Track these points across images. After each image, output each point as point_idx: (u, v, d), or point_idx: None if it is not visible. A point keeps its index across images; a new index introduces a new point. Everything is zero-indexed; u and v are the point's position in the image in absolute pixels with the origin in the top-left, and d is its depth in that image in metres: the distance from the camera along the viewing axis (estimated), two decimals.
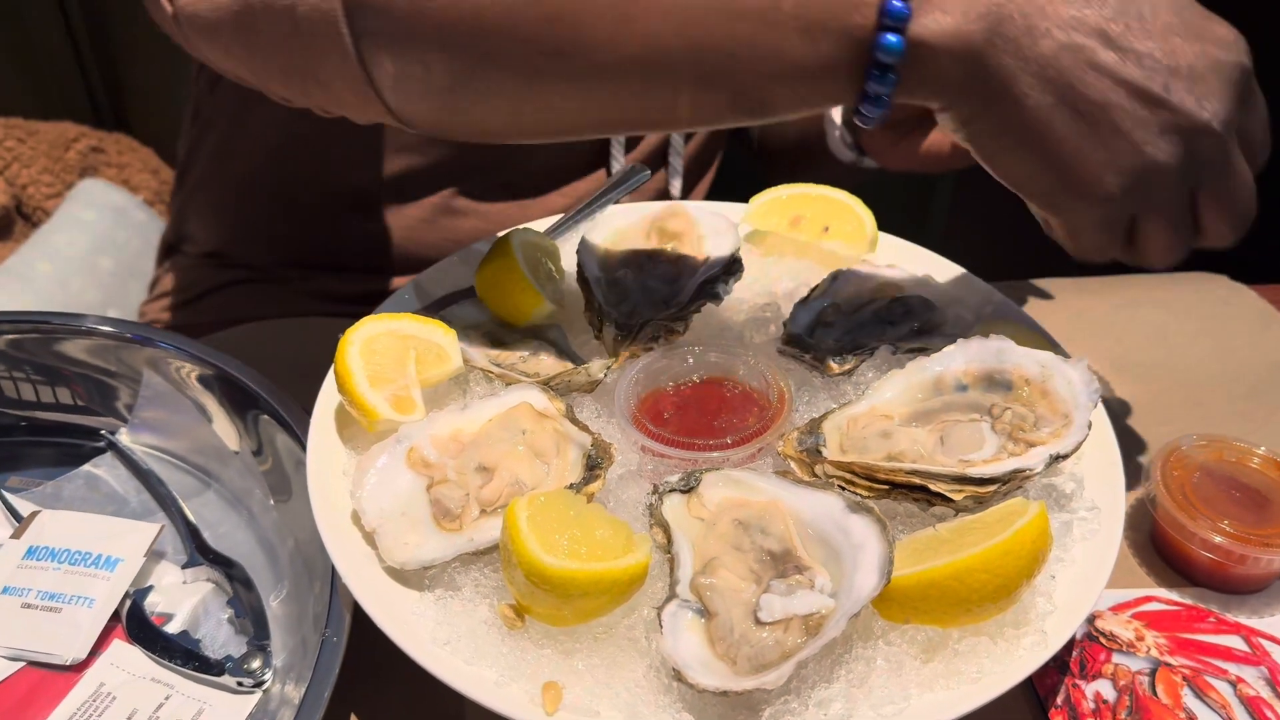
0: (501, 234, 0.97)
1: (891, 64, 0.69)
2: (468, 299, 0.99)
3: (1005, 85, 0.69)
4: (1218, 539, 0.87)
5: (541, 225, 1.07)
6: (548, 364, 0.92)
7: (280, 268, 1.32)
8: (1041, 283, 1.29)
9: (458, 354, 0.88)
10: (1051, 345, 0.91)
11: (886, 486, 0.76)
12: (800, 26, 0.70)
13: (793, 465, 0.80)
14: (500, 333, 0.96)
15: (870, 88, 0.71)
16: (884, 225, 1.06)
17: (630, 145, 1.28)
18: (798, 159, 1.36)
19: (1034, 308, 1.23)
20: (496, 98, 0.75)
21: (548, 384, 0.86)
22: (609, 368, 0.88)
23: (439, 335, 0.88)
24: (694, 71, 0.72)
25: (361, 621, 0.72)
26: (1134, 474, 0.97)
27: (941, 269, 1.02)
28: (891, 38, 0.68)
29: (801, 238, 1.03)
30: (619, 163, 1.26)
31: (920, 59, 0.69)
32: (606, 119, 0.78)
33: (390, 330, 0.87)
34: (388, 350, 0.85)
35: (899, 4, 0.68)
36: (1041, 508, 0.69)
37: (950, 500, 0.74)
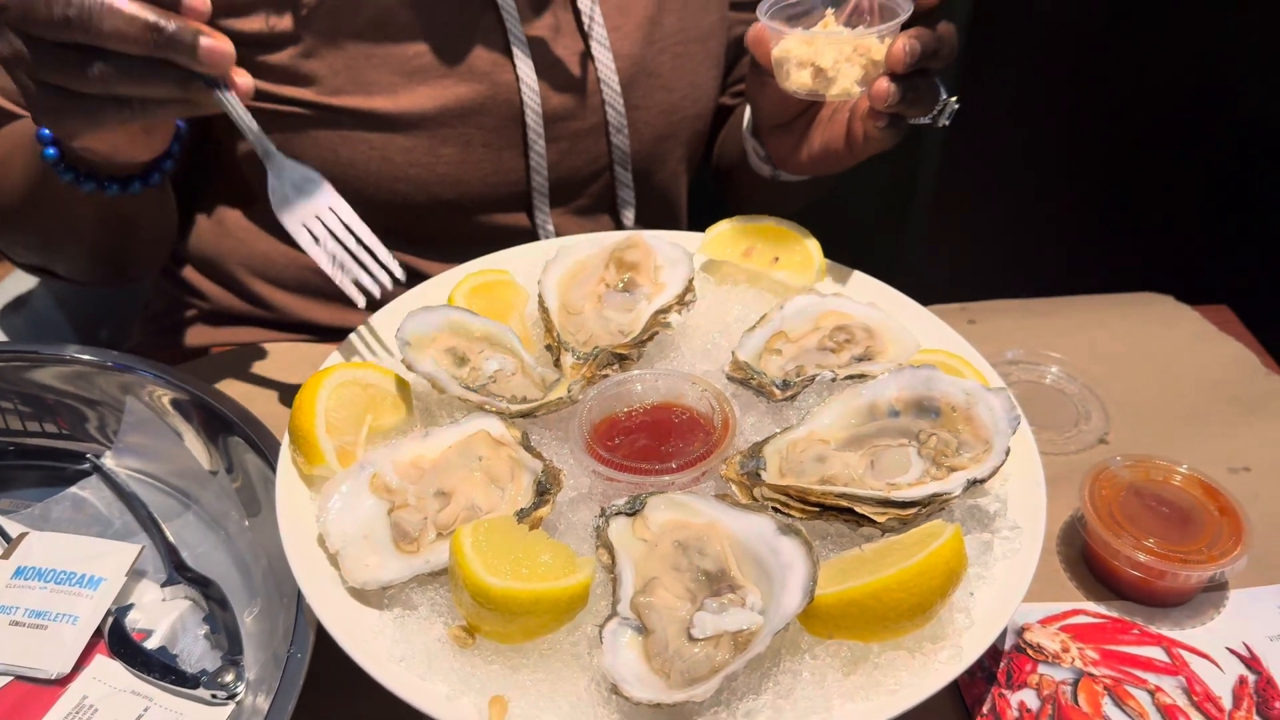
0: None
1: None
2: (419, 311, 0.97)
3: None
4: (1141, 556, 0.92)
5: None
6: (518, 383, 0.95)
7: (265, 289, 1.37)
8: (994, 304, 1.34)
9: (410, 405, 0.94)
10: (980, 372, 0.95)
11: (818, 508, 0.81)
12: None
13: (734, 488, 0.85)
14: (461, 346, 0.97)
15: None
16: (859, 248, 1.10)
17: (556, 199, 1.33)
18: (748, 179, 1.40)
19: (985, 328, 1.27)
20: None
21: (532, 414, 0.90)
22: (582, 385, 0.94)
23: (394, 386, 0.94)
24: None
25: (328, 638, 0.77)
26: (1072, 492, 1.02)
27: (885, 296, 1.06)
28: None
29: (753, 267, 1.07)
30: (543, 214, 1.32)
31: None
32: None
33: (356, 379, 0.92)
34: (350, 402, 0.90)
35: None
36: (956, 530, 0.74)
37: (875, 522, 0.79)
